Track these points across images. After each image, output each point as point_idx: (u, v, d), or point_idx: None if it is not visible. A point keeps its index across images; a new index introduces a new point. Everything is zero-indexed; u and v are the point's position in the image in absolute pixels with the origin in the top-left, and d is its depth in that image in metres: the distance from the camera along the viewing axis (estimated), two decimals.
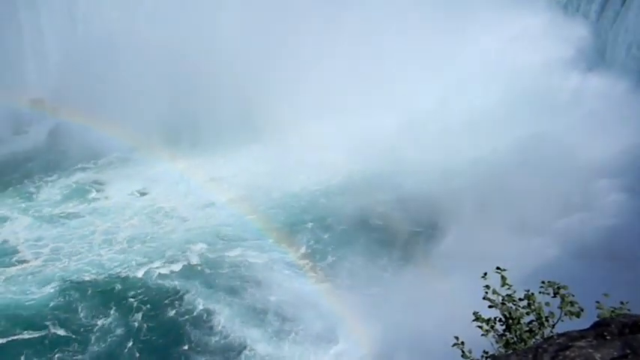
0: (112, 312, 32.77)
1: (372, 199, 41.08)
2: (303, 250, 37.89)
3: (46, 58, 50.48)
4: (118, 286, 34.68)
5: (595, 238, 31.70)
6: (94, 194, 43.30)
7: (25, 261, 36.55)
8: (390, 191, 41.39)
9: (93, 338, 31.06)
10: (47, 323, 31.85)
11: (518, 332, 8.42)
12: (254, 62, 44.27)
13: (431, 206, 38.10)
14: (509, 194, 35.44)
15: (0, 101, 47.94)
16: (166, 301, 33.73)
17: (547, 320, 8.34)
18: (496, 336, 8.62)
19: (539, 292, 8.47)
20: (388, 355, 29.56)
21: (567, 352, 6.58)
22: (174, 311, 33.06)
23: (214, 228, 39.91)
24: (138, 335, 31.51)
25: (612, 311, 7.72)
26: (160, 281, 35.14)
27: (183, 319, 32.59)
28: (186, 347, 30.93)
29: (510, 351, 8.22)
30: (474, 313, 8.99)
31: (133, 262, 36.44)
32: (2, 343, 30.54)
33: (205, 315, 32.78)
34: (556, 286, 8.32)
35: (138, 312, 32.87)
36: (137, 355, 30.56)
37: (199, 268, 36.26)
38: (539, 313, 8.39)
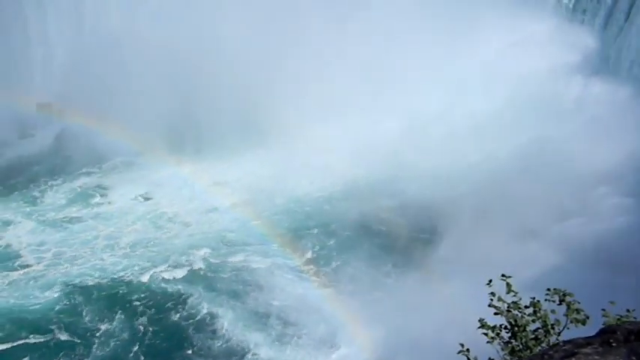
0: (115, 316, 32.86)
1: (376, 204, 41.16)
2: (306, 255, 37.97)
3: (53, 61, 50.61)
4: (122, 291, 34.78)
5: (597, 245, 31.66)
6: (97, 199, 43.34)
7: (27, 265, 36.59)
8: (393, 197, 41.46)
9: (97, 342, 31.15)
10: (51, 327, 31.92)
11: (523, 340, 8.40)
12: (258, 64, 44.21)
13: (434, 212, 38.19)
14: (511, 200, 35.45)
15: (7, 105, 48.01)
16: (170, 306, 33.84)
17: (553, 328, 8.36)
18: (502, 343, 8.60)
19: (545, 300, 8.49)
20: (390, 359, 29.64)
21: (573, 359, 6.66)
22: (177, 315, 33.18)
23: (218, 233, 39.99)
24: (142, 339, 31.60)
25: (618, 319, 7.72)
26: (163, 285, 35.25)
27: (187, 323, 32.71)
28: (189, 351, 31.06)
29: (516, 358, 8.28)
30: (479, 320, 8.99)
31: (137, 267, 36.51)
32: (6, 348, 30.63)
33: (209, 319, 32.90)
34: (562, 294, 8.35)
35: (142, 316, 32.98)
36: (141, 358, 30.67)
37: (203, 272, 36.37)
38: (544, 321, 8.36)
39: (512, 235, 34.31)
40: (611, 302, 8.02)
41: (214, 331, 32.19)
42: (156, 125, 45.66)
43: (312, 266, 37.17)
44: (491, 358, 8.67)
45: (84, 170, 45.98)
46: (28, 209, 41.83)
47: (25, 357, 30.14)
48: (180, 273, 36.20)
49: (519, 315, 8.62)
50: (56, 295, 34.12)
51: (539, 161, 37.47)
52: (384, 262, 36.77)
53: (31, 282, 35.16)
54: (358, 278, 35.62)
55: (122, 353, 30.77)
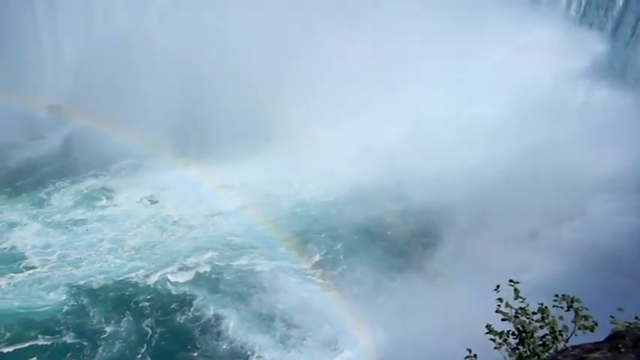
0: (122, 318, 32.99)
1: (382, 208, 41.24)
2: (312, 258, 38.08)
3: (62, 62, 50.71)
4: (128, 293, 34.90)
5: (604, 250, 31.70)
6: (103, 201, 43.32)
7: (32, 267, 36.64)
8: (399, 201, 41.56)
9: (103, 344, 31.31)
10: (58, 329, 32.07)
11: (531, 346, 8.44)
12: (267, 65, 44.02)
13: (439, 216, 38.25)
14: (516, 205, 35.51)
15: (17, 107, 48.11)
16: (176, 308, 33.98)
17: (561, 334, 8.38)
18: (509, 349, 8.66)
19: (553, 306, 8.51)
20: None
21: None
22: (183, 317, 33.31)
23: (223, 236, 40.05)
24: (148, 341, 31.72)
25: (627, 326, 7.75)
26: (169, 288, 35.37)
27: (193, 325, 32.84)
28: (195, 353, 31.20)
29: None
30: (486, 326, 9.02)
31: (142, 270, 36.61)
32: (15, 350, 30.74)
33: (214, 321, 33.07)
34: (570, 300, 8.37)
35: (148, 318, 33.11)
36: None
37: (208, 275, 36.47)
38: (552, 327, 8.39)
39: (516, 240, 34.37)
40: (619, 309, 8.04)
41: (219, 333, 32.35)
42: (163, 126, 45.65)
43: (317, 269, 37.26)
44: None
45: (91, 172, 46.03)
46: (34, 211, 41.88)
47: (32, 358, 30.30)
48: (185, 276, 36.33)
49: (527, 321, 8.64)
50: (62, 297, 34.23)
51: (545, 166, 37.47)
52: (390, 265, 36.87)
53: (36, 284, 35.22)
54: (363, 281, 35.70)
55: (129, 355, 30.89)
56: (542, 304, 8.64)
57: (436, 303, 32.02)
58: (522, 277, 10.05)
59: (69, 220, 41.22)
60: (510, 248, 33.44)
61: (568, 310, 8.34)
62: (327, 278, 36.51)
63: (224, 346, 31.60)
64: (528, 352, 8.47)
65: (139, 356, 30.88)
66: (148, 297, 34.61)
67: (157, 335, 32.12)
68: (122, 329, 32.30)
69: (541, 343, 8.47)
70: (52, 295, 34.33)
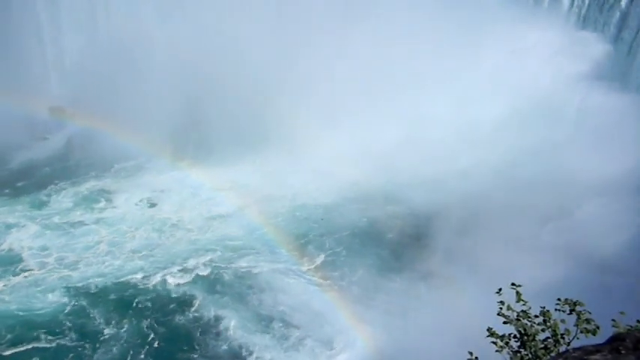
0: (122, 319, 33.00)
1: (382, 210, 41.36)
2: (312, 260, 38.08)
3: (64, 64, 50.76)
4: (127, 295, 34.90)
5: (601, 252, 31.77)
6: (102, 203, 43.24)
7: (29, 270, 36.53)
8: (399, 203, 41.60)
9: (104, 345, 31.32)
10: (58, 331, 32.07)
11: (533, 349, 8.47)
12: (268, 66, 44.11)
13: (438, 218, 38.33)
14: (515, 207, 35.62)
15: (19, 108, 48.09)
16: (176, 309, 33.99)
17: (563, 337, 8.43)
18: (511, 352, 8.70)
19: (555, 309, 8.56)
20: None
21: None
22: (183, 318, 33.33)
23: (223, 238, 40.05)
24: (148, 342, 31.74)
25: (629, 329, 7.80)
26: (169, 289, 35.40)
27: (193, 326, 32.88)
28: (195, 354, 31.20)
29: None
30: (488, 329, 9.04)
31: (140, 272, 36.58)
32: (15, 352, 30.73)
33: (214, 322, 33.09)
34: (572, 303, 8.42)
35: (148, 319, 33.13)
36: None
37: (208, 276, 36.49)
38: (554, 330, 8.44)
39: (515, 241, 34.43)
40: (621, 312, 8.08)
41: (219, 334, 32.40)
42: (163, 127, 45.68)
43: (317, 271, 37.29)
44: None
45: (92, 174, 46.02)
46: (33, 213, 41.79)
47: (34, 359, 30.34)
48: (185, 277, 36.35)
49: (529, 324, 8.68)
50: (61, 299, 34.18)
51: (543, 168, 37.56)
52: (389, 266, 36.95)
53: (33, 287, 35.08)
54: (362, 283, 35.79)
55: (129, 356, 30.92)
56: (544, 307, 8.68)
57: (435, 304, 32.14)
58: (521, 279, 10.11)
59: (68, 222, 41.11)
60: (510, 250, 33.51)
61: (570, 314, 8.38)
62: (327, 279, 36.57)
63: (224, 347, 31.64)
64: (530, 355, 8.49)
65: (140, 357, 30.92)
66: (148, 298, 34.61)
67: (157, 336, 32.15)
68: (122, 331, 32.30)
69: (543, 346, 8.49)
70: (50, 297, 34.26)
